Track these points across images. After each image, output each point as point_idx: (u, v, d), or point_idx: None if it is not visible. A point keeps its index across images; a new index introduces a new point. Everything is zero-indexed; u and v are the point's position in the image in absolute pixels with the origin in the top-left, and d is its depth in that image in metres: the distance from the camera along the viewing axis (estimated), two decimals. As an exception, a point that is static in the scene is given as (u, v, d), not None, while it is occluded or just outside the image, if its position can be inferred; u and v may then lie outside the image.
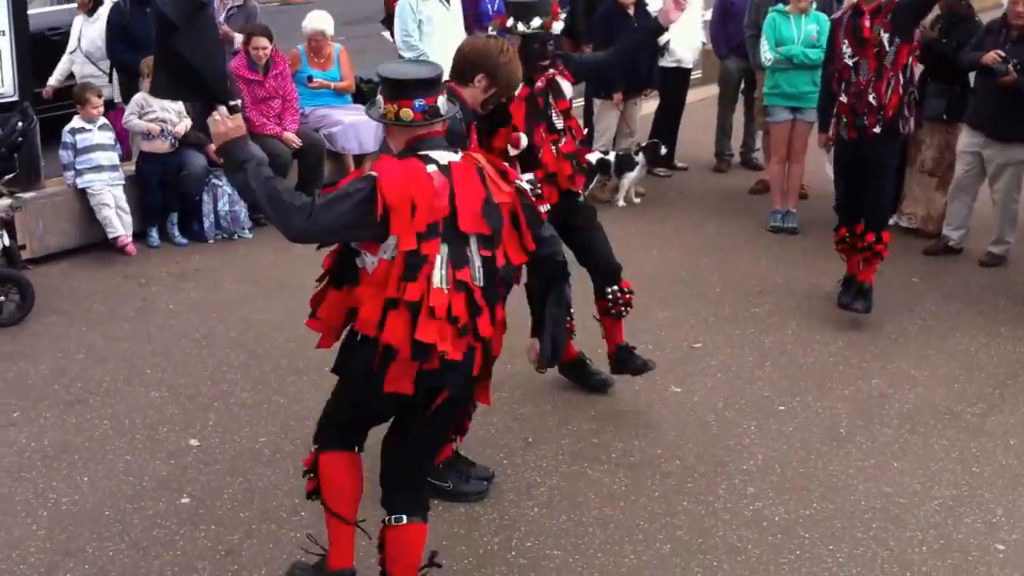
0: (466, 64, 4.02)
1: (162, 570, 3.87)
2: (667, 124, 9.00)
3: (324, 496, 3.60)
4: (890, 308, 6.34)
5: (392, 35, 8.46)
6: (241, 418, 4.93)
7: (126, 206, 6.99)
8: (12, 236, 6.42)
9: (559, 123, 4.75)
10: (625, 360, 5.15)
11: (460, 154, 3.33)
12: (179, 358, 5.58)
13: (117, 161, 7.04)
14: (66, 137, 6.88)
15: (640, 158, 8.12)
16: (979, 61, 6.59)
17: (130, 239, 6.98)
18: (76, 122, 6.90)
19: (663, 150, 8.34)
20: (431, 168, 3.21)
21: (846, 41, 5.90)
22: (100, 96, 6.95)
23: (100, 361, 5.52)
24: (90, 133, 6.90)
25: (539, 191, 4.59)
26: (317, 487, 3.62)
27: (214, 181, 7.33)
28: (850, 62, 5.89)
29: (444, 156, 3.27)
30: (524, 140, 4.63)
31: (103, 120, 7.00)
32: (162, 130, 7.10)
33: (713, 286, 6.64)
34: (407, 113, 3.24)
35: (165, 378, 5.33)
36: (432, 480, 4.29)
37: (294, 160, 7.72)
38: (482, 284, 3.28)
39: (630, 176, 8.04)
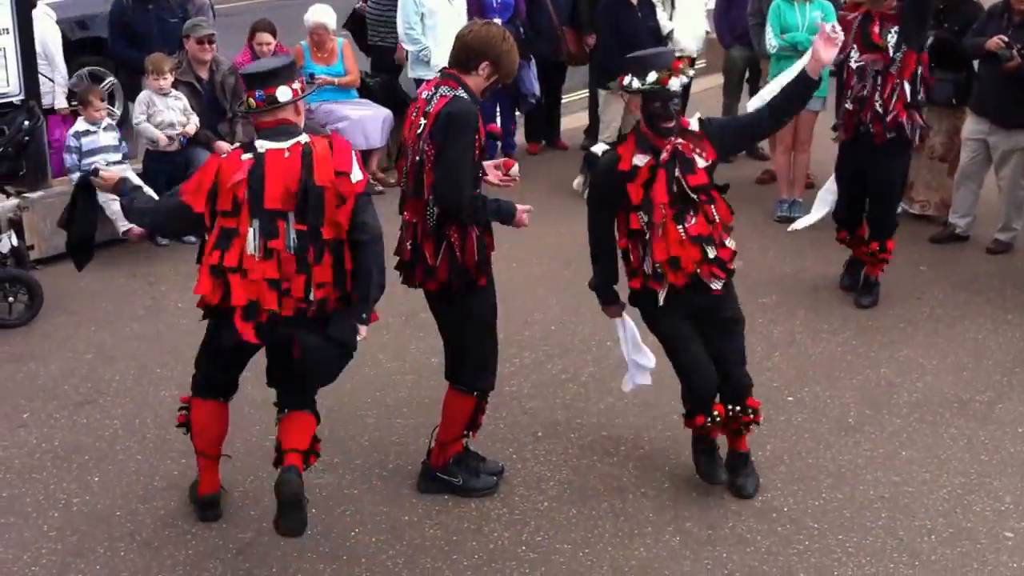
0: (470, 52, 4.01)
1: (174, 569, 3.89)
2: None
3: (192, 435, 4.16)
4: (898, 296, 6.33)
5: (355, 40, 8.50)
6: (250, 416, 4.94)
7: None
8: (20, 236, 6.44)
9: (693, 198, 4.10)
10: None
11: (294, 142, 3.77)
12: (189, 357, 5.54)
13: (124, 163, 7.05)
14: (70, 141, 6.88)
15: None
16: (982, 47, 6.56)
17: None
18: (80, 125, 6.90)
19: None
20: (245, 156, 3.75)
21: (855, 45, 5.87)
22: (103, 99, 6.96)
23: (110, 361, 5.54)
24: (96, 135, 6.91)
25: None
26: (187, 423, 4.19)
27: (220, 179, 7.34)
28: (855, 66, 5.86)
29: (268, 145, 3.75)
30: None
31: (108, 121, 7.01)
32: (171, 138, 7.10)
33: (720, 277, 6.63)
34: (251, 102, 3.76)
35: (175, 377, 5.35)
36: (443, 475, 4.32)
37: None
38: (295, 253, 3.72)
39: None
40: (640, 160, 4.06)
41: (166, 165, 7.18)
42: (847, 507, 4.28)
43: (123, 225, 6.94)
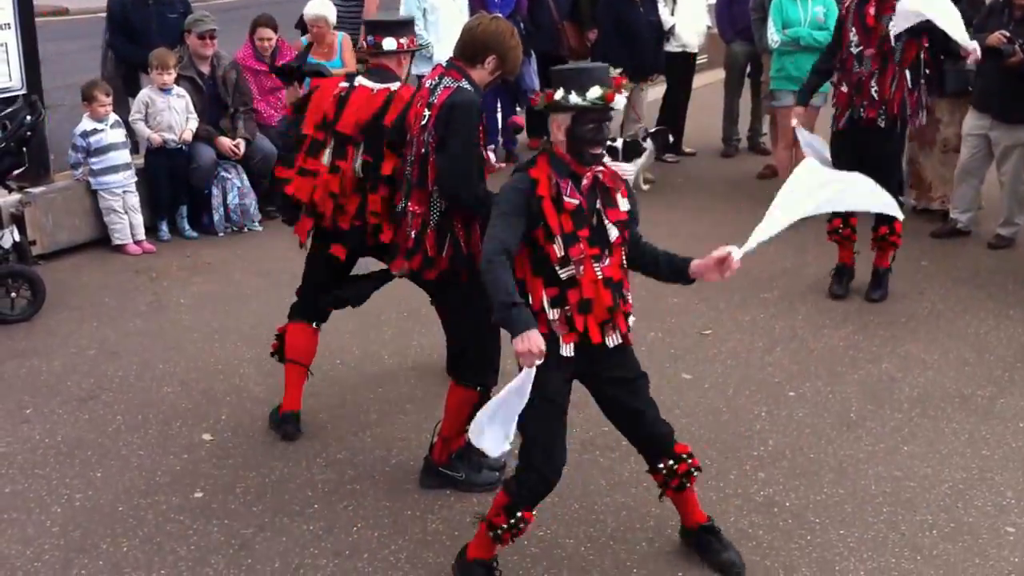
0: (478, 45, 4.00)
1: (176, 565, 3.90)
2: (674, 109, 8.98)
3: (285, 352, 4.74)
4: (899, 292, 6.33)
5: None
6: (254, 412, 4.95)
7: (137, 204, 7.03)
8: (22, 232, 6.45)
9: (613, 235, 3.54)
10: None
11: (384, 86, 4.36)
12: (191, 352, 5.60)
13: (130, 159, 7.07)
14: (77, 140, 6.88)
15: (648, 144, 8.11)
16: (984, 42, 6.55)
17: (143, 238, 7.05)
18: (87, 123, 6.89)
19: (671, 137, 8.33)
20: (343, 84, 4.43)
21: (854, 29, 5.86)
22: (108, 94, 6.96)
23: (112, 356, 5.55)
24: (103, 133, 6.91)
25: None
26: (280, 350, 4.77)
27: (223, 174, 7.35)
28: (855, 51, 5.86)
29: (363, 81, 4.40)
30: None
31: (115, 118, 7.01)
32: (165, 143, 7.11)
33: (722, 272, 6.63)
34: (363, 44, 4.52)
35: (177, 373, 5.36)
36: (445, 471, 4.32)
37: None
38: (360, 175, 4.30)
39: (638, 162, 8.03)
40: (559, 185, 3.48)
41: (167, 161, 7.19)
42: (848, 502, 4.28)
43: (119, 239, 6.97)
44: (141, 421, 4.91)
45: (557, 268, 3.47)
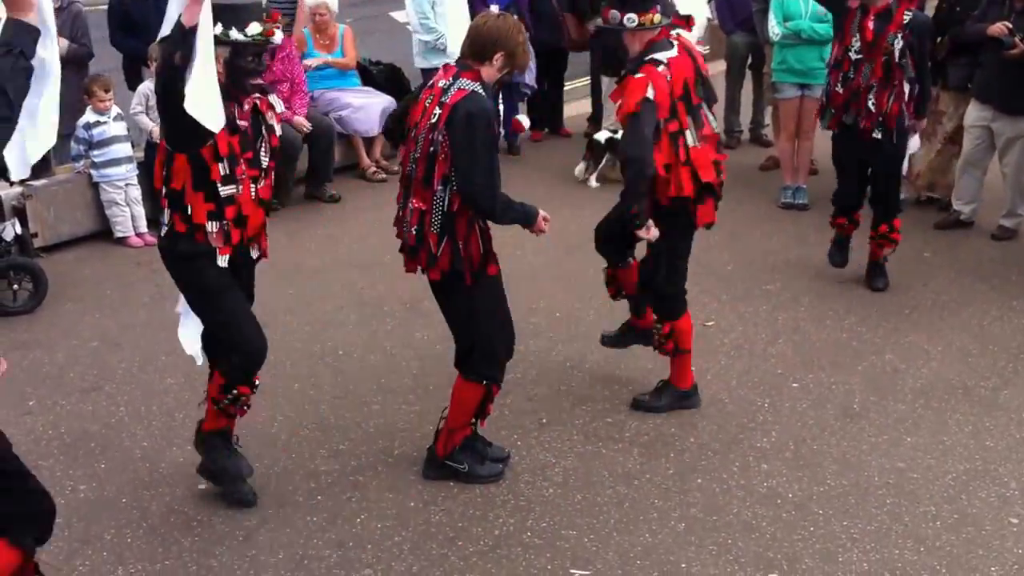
0: (487, 42, 3.99)
1: (180, 556, 3.91)
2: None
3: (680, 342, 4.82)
4: (903, 283, 6.33)
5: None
6: (257, 403, 4.91)
7: (139, 198, 7.03)
8: (24, 224, 6.45)
9: (265, 161, 3.94)
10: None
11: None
12: (193, 344, 5.59)
13: (132, 151, 7.06)
14: (79, 132, 6.88)
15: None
16: (985, 33, 6.54)
17: (144, 230, 7.04)
18: (89, 115, 6.89)
19: None
20: (660, 68, 4.41)
21: (856, 36, 5.83)
22: (107, 89, 6.94)
23: (115, 348, 5.55)
24: (106, 125, 6.90)
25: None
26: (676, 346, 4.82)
27: (224, 166, 7.34)
28: (854, 57, 5.82)
29: (669, 54, 4.44)
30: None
31: (117, 111, 7.00)
32: None
33: (724, 264, 6.63)
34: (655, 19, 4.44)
35: (180, 364, 5.34)
36: (449, 463, 4.32)
37: (304, 145, 7.72)
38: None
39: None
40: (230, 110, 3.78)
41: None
42: (852, 493, 4.29)
43: (120, 232, 6.97)
44: (144, 412, 4.91)
45: (219, 185, 3.81)
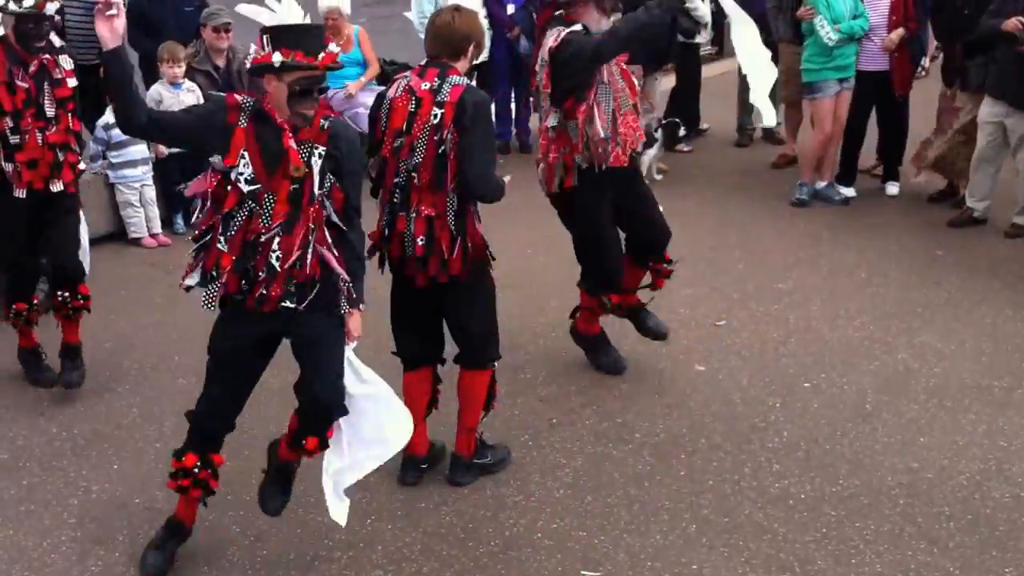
0: (462, 38, 4.04)
1: (192, 556, 3.92)
2: (686, 98, 8.96)
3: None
4: (915, 282, 6.30)
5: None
6: (268, 403, 4.96)
7: (154, 199, 7.06)
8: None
9: (51, 111, 4.73)
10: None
11: None
12: (206, 344, 5.60)
13: (147, 153, 7.09)
14: (98, 131, 6.93)
15: (659, 135, 8.08)
16: (999, 28, 6.49)
17: (159, 231, 7.08)
18: (108, 116, 6.92)
19: (681, 130, 8.31)
20: None
21: None
22: None
23: (128, 349, 5.57)
24: None
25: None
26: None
27: (236, 167, 7.36)
28: None
29: None
30: None
31: None
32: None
33: (736, 263, 6.61)
34: None
35: (193, 365, 5.35)
36: (478, 461, 4.35)
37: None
38: None
39: (650, 153, 8.00)
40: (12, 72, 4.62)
41: (181, 155, 7.20)
42: (864, 494, 4.27)
43: (135, 233, 7.00)
44: (157, 413, 4.93)
45: (8, 135, 4.65)
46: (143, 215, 7.03)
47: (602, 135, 4.59)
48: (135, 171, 6.98)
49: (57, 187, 4.84)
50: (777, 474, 4.40)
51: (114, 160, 6.94)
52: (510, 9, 8.54)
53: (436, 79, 3.97)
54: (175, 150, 7.14)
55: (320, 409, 3.68)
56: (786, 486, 4.32)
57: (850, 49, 7.36)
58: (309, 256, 3.52)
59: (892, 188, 7.88)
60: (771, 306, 6.02)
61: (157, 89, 7.14)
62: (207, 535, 4.04)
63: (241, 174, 3.50)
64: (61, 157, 4.81)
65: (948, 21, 7.19)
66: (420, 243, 4.02)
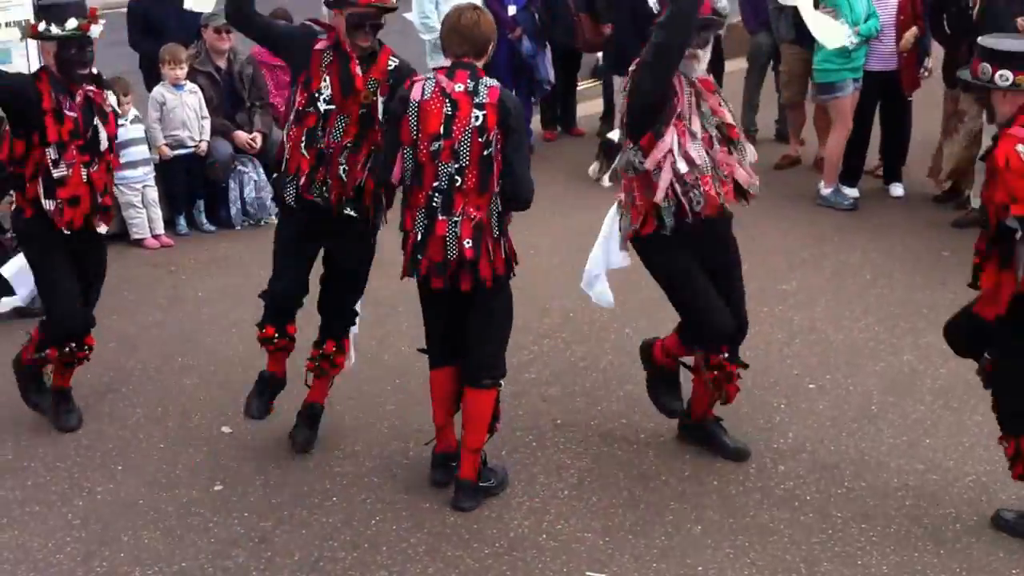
0: (484, 39, 4.05)
1: (197, 557, 3.91)
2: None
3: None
4: (920, 282, 6.28)
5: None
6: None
7: (156, 199, 7.06)
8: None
9: (104, 142, 4.49)
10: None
11: None
12: (210, 345, 5.62)
13: (148, 154, 7.09)
14: None
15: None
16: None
17: (161, 232, 7.07)
18: None
19: None
20: None
21: None
22: (127, 92, 6.98)
23: (132, 350, 5.56)
24: (123, 128, 6.91)
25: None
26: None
27: (240, 168, 7.36)
28: None
29: None
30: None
31: (135, 113, 7.03)
32: (181, 144, 7.13)
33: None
34: None
35: (196, 366, 5.37)
36: (483, 485, 4.26)
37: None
38: None
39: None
40: (60, 100, 4.34)
41: (183, 156, 7.20)
42: (870, 495, 4.25)
43: (137, 234, 7.00)
44: (161, 414, 4.92)
45: (51, 169, 4.36)
46: (145, 216, 7.03)
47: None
48: (136, 172, 6.98)
49: (101, 228, 4.62)
50: (782, 475, 4.39)
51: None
52: (512, 10, 8.52)
53: (469, 80, 3.94)
54: (178, 151, 7.15)
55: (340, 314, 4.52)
56: (791, 487, 4.31)
57: (862, 49, 7.36)
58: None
59: (897, 189, 7.87)
60: (775, 307, 6.01)
61: (159, 91, 7.14)
62: (211, 536, 4.03)
63: (321, 94, 4.16)
64: (101, 198, 4.53)
65: (954, 21, 7.17)
66: (468, 246, 3.94)
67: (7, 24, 6.60)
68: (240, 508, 4.19)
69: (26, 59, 6.71)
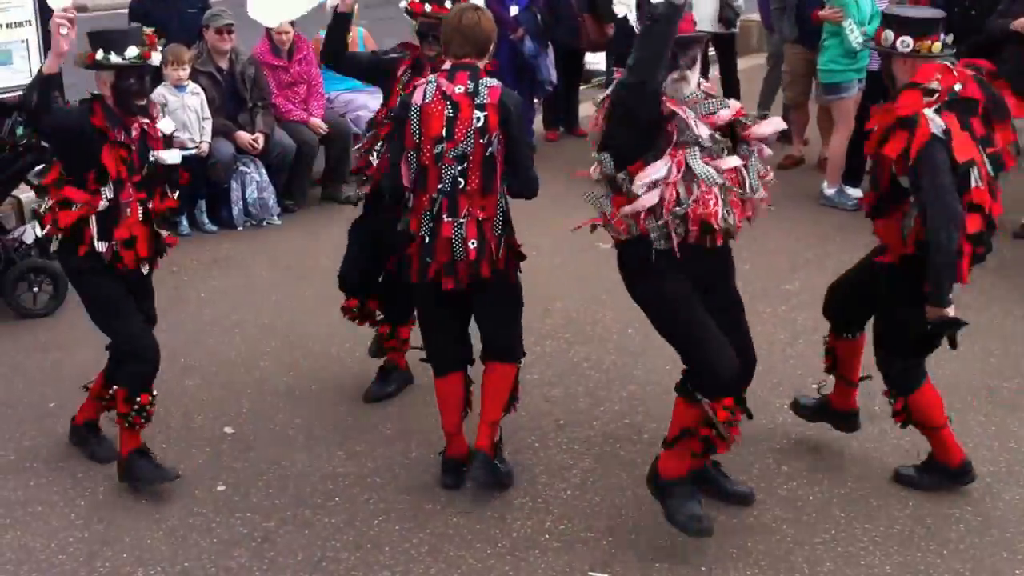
0: (487, 39, 4.06)
1: (200, 557, 3.91)
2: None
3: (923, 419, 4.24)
4: (923, 283, 6.26)
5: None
6: (275, 405, 4.96)
7: None
8: (44, 227, 6.46)
9: (154, 183, 4.18)
10: None
11: None
12: (212, 346, 5.62)
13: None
14: None
15: None
16: (1008, 28, 6.47)
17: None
18: None
19: None
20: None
21: None
22: None
23: (134, 350, 5.55)
24: None
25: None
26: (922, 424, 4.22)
27: (242, 168, 7.36)
28: None
29: None
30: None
31: None
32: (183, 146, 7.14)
33: (742, 262, 6.50)
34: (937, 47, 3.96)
35: (198, 366, 5.37)
36: (499, 464, 4.30)
37: (321, 146, 7.73)
38: None
39: None
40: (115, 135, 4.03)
41: (185, 159, 7.19)
42: (874, 495, 4.24)
43: None
44: (163, 415, 4.91)
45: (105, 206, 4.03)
46: None
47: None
48: None
49: (146, 269, 4.26)
50: (785, 475, 4.39)
51: None
52: (513, 11, 8.52)
53: (469, 81, 3.94)
54: (184, 152, 7.13)
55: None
56: (794, 488, 4.30)
57: (866, 50, 7.36)
58: None
59: (900, 189, 7.86)
60: (779, 307, 6.00)
61: (161, 92, 7.13)
62: (214, 536, 4.03)
63: None
64: (158, 236, 4.23)
65: (957, 22, 7.15)
66: (472, 247, 3.97)
67: (7, 25, 6.60)
68: (242, 508, 4.19)
69: (27, 61, 6.71)
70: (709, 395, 3.79)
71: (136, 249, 4.10)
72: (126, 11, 8.07)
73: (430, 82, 4.02)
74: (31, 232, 6.16)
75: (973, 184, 3.80)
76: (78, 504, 4.24)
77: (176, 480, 4.30)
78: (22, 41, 6.72)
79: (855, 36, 7.32)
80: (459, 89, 3.93)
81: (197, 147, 7.14)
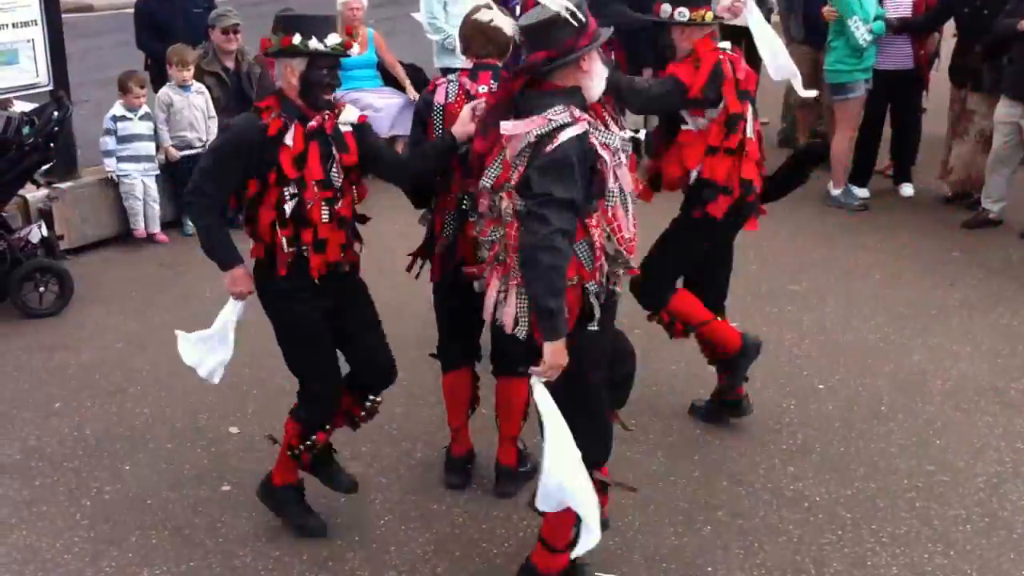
0: (508, 38, 3.98)
1: (205, 557, 3.91)
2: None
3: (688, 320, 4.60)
4: (930, 283, 6.25)
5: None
6: (280, 404, 4.93)
7: (157, 195, 7.07)
8: (50, 226, 6.49)
9: (338, 180, 3.73)
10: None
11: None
12: (216, 346, 5.60)
13: (154, 151, 7.10)
14: (108, 124, 6.98)
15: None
16: (1016, 28, 6.46)
17: (157, 230, 7.10)
18: (118, 109, 7.00)
19: None
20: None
21: None
22: (143, 85, 7.02)
23: (140, 350, 5.57)
24: (131, 122, 6.97)
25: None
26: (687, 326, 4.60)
27: (246, 168, 7.38)
28: None
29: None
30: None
31: (145, 109, 7.06)
32: (188, 146, 7.15)
33: (749, 264, 6.57)
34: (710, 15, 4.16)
35: (203, 366, 5.36)
36: (521, 470, 4.29)
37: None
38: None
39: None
40: (292, 132, 3.65)
41: (191, 159, 7.21)
42: (880, 496, 4.23)
43: (134, 224, 7.02)
44: (169, 414, 4.92)
45: (287, 210, 3.68)
46: (142, 207, 7.04)
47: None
48: (138, 166, 7.01)
49: (346, 268, 3.89)
50: (792, 476, 4.37)
51: (119, 153, 6.96)
52: (517, 12, 8.51)
53: (492, 81, 3.91)
54: (186, 152, 7.16)
55: None
56: (801, 488, 4.29)
57: (872, 50, 7.35)
58: None
59: (907, 189, 7.85)
60: (785, 307, 5.99)
61: (166, 92, 7.15)
62: (219, 536, 4.03)
63: None
64: (353, 238, 3.89)
65: (966, 22, 7.15)
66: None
67: (13, 25, 6.61)
68: (248, 508, 4.18)
69: (33, 61, 6.73)
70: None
71: (327, 253, 3.76)
72: (131, 11, 8.10)
73: (452, 81, 4.00)
74: (37, 232, 6.17)
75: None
76: (83, 504, 4.25)
77: (182, 479, 4.30)
78: (28, 41, 6.73)
79: (861, 33, 7.30)
80: (482, 88, 3.92)
81: (204, 146, 7.15)
